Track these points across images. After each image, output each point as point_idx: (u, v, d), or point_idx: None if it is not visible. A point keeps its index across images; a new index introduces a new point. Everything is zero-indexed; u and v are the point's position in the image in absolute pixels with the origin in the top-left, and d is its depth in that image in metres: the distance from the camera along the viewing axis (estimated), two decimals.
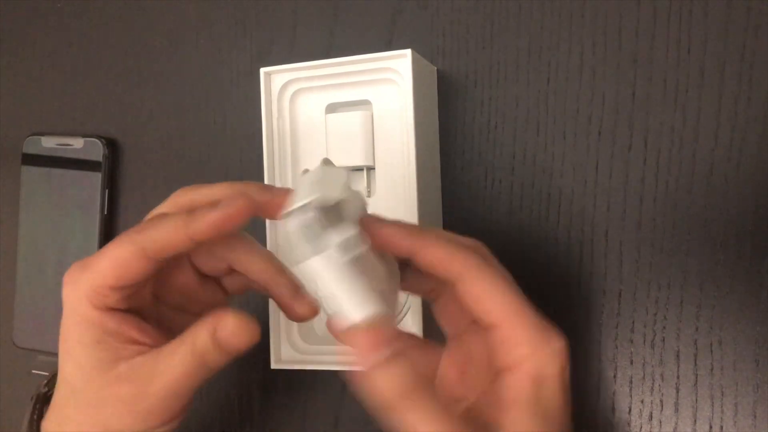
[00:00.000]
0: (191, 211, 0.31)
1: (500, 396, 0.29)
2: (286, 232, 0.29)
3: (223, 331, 0.30)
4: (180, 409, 0.32)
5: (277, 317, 0.42)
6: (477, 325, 0.31)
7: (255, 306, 0.43)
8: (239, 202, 0.30)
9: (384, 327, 0.28)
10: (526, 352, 0.29)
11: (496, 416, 0.29)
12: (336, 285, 0.28)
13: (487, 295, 0.30)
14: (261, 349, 0.38)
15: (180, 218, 0.31)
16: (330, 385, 0.45)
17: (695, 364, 0.39)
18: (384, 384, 0.28)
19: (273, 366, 0.42)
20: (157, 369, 0.31)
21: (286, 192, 0.31)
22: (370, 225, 0.30)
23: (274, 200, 0.31)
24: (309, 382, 0.46)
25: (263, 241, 0.42)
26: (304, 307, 0.33)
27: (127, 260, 0.31)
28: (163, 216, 0.32)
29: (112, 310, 0.32)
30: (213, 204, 0.30)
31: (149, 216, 0.33)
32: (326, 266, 0.28)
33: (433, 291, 0.33)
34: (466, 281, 0.30)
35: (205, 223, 0.30)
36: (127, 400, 0.31)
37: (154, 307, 0.35)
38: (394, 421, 0.28)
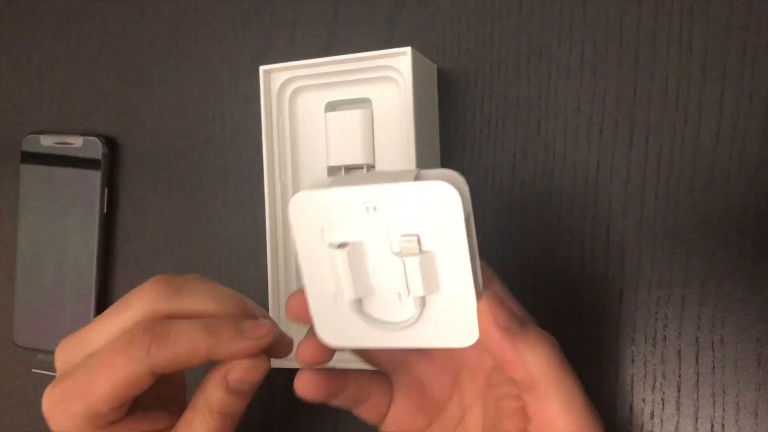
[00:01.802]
0: (212, 323, 0.29)
1: None
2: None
3: (235, 375, 0.29)
4: None
5: (276, 317, 0.42)
6: (424, 356, 0.31)
7: None
8: (270, 337, 0.30)
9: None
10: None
11: None
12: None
13: (560, 415, 0.27)
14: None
15: (200, 337, 0.29)
16: None
17: (697, 362, 0.38)
18: (532, 359, 0.28)
19: (273, 365, 0.41)
20: None
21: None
22: (482, 307, 0.27)
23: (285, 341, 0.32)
24: None
25: (262, 229, 0.42)
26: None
27: (130, 383, 0.28)
28: (178, 325, 0.29)
29: (113, 423, 0.30)
30: (237, 319, 0.29)
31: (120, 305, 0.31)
32: None
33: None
34: (544, 396, 0.27)
35: (233, 352, 0.29)
36: None
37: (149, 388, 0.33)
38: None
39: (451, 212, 0.26)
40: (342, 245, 0.27)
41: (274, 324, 0.30)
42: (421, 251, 0.27)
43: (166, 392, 0.33)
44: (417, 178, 0.27)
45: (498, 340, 0.27)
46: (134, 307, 0.30)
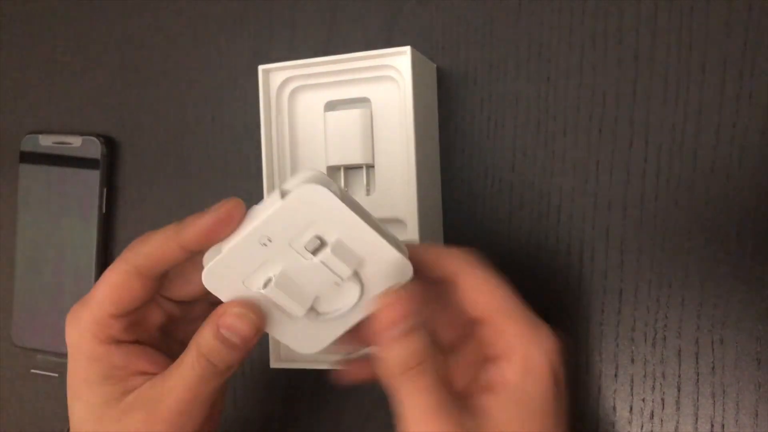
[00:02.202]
0: (180, 222, 0.30)
1: (486, 383, 0.30)
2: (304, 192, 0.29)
3: (226, 320, 0.30)
4: (198, 426, 0.31)
5: None
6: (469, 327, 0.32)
7: None
8: (229, 204, 0.30)
9: (410, 296, 0.29)
10: (515, 343, 0.30)
11: (482, 403, 0.29)
12: (370, 233, 0.29)
13: (479, 289, 0.31)
14: (261, 349, 0.38)
15: (169, 229, 0.30)
16: (332, 384, 0.45)
17: (696, 362, 0.38)
18: (391, 359, 0.29)
19: (272, 365, 0.41)
20: (165, 387, 0.30)
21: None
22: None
23: None
24: (310, 381, 0.46)
25: None
26: None
27: (122, 283, 0.30)
28: (152, 232, 0.31)
29: (118, 342, 0.31)
30: (201, 213, 0.30)
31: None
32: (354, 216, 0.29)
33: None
34: (459, 278, 0.31)
35: (196, 229, 0.30)
36: (141, 429, 0.30)
37: (164, 341, 0.34)
38: (392, 393, 0.29)
39: (327, 204, 0.29)
40: (266, 284, 0.30)
41: (236, 198, 0.30)
42: (327, 244, 0.29)
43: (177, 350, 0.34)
44: (283, 195, 0.29)
45: (425, 251, 0.32)
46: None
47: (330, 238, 0.29)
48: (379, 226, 0.31)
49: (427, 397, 0.28)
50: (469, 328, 0.32)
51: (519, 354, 0.29)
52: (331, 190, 0.29)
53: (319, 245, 0.29)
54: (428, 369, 0.29)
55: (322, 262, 0.29)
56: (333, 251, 0.29)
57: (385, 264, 0.30)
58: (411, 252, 0.31)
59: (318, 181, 0.29)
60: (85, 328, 0.31)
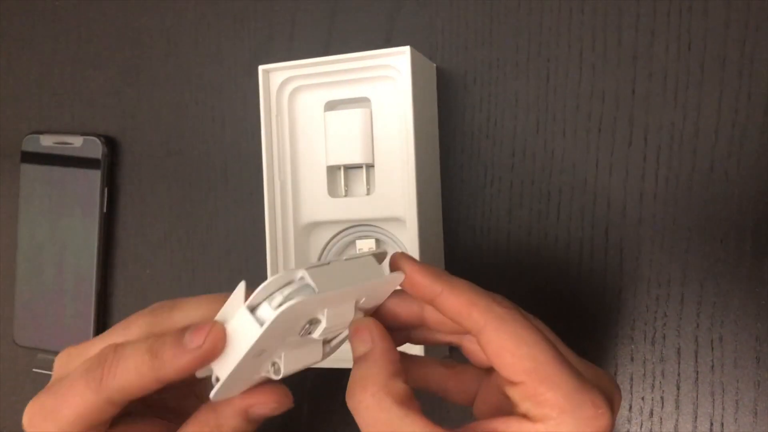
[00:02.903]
0: (156, 342, 0.27)
1: None
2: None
3: (260, 411, 0.29)
4: None
5: None
6: (490, 377, 0.30)
7: None
8: (211, 337, 0.27)
9: (370, 328, 0.29)
10: (548, 413, 0.25)
11: None
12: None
13: (510, 347, 0.26)
14: None
15: (144, 358, 0.27)
16: (332, 384, 0.45)
17: (696, 361, 0.38)
18: (353, 372, 0.29)
19: None
20: None
21: None
22: (398, 262, 0.30)
23: None
24: (310, 381, 0.46)
25: (261, 229, 0.42)
26: None
27: (91, 411, 0.28)
28: (123, 352, 0.28)
29: None
30: (181, 332, 0.27)
31: (111, 333, 0.30)
32: None
33: (455, 334, 0.31)
34: (488, 331, 0.27)
35: (177, 368, 0.27)
36: None
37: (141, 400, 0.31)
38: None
39: (305, 309, 0.27)
40: (274, 368, 0.28)
41: (216, 322, 0.27)
42: (321, 321, 0.28)
43: (163, 402, 0.33)
44: (252, 310, 0.27)
45: (426, 282, 0.29)
46: (134, 325, 0.30)
47: (321, 316, 0.28)
48: (358, 259, 0.30)
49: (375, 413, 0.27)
50: (482, 379, 0.31)
51: (551, 425, 0.25)
52: (303, 294, 0.26)
53: (311, 326, 0.28)
54: (368, 396, 0.28)
55: (322, 336, 0.29)
56: (328, 322, 0.28)
57: (377, 288, 0.30)
58: (433, 289, 0.29)
59: (289, 288, 0.27)
60: None
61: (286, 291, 0.26)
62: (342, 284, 0.28)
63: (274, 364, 0.28)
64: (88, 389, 0.27)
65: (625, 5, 0.40)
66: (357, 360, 0.29)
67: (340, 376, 0.44)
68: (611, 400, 0.27)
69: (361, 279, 0.29)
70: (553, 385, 0.25)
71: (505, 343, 0.27)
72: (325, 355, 0.30)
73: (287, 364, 0.28)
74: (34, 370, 0.53)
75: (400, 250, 0.31)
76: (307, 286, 0.27)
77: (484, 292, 0.28)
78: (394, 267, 0.30)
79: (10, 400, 0.55)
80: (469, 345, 0.31)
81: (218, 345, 0.27)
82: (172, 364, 0.27)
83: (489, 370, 0.31)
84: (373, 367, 0.28)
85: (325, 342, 0.30)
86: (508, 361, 0.26)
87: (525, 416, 0.26)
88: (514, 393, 0.27)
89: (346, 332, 0.30)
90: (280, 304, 0.26)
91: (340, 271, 0.29)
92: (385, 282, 0.30)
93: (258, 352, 0.27)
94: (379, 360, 0.28)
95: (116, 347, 0.28)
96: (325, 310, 0.28)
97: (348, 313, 0.29)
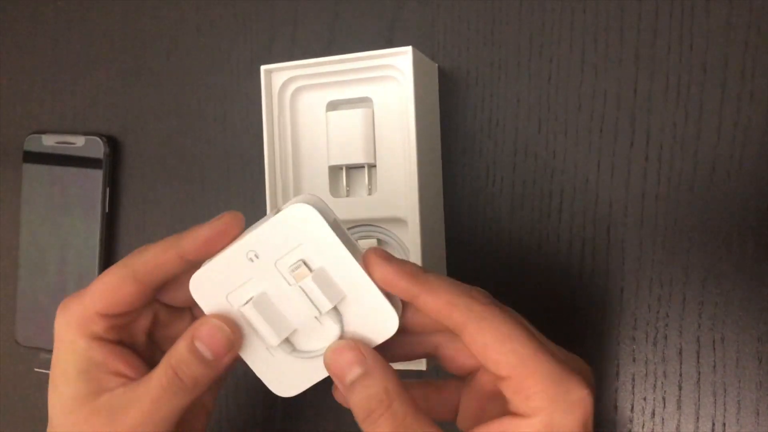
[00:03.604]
0: (180, 233, 0.30)
1: None
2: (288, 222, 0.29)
3: (200, 332, 0.29)
4: None
5: None
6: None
7: None
8: (228, 216, 0.29)
9: (358, 346, 0.29)
10: (539, 404, 0.26)
11: None
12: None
13: (494, 344, 0.27)
14: None
15: (169, 239, 0.30)
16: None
17: (698, 361, 0.38)
18: (352, 405, 0.28)
19: None
20: (133, 396, 0.30)
21: None
22: (372, 261, 0.29)
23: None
24: None
25: None
26: None
27: (116, 285, 0.30)
28: (153, 243, 0.31)
29: (100, 339, 0.31)
30: (201, 225, 0.30)
31: None
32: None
33: (432, 341, 0.32)
34: (470, 330, 0.28)
35: (195, 239, 0.29)
36: None
37: (148, 346, 0.33)
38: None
39: (315, 225, 0.28)
40: (247, 302, 0.29)
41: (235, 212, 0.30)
42: (311, 270, 0.29)
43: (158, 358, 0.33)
44: (276, 214, 0.29)
45: (402, 286, 0.28)
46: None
47: (314, 265, 0.29)
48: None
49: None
50: (474, 370, 0.31)
51: (544, 418, 0.26)
52: (322, 215, 0.28)
53: (302, 271, 0.29)
54: (392, 410, 0.27)
55: (302, 289, 0.29)
56: (314, 279, 0.29)
57: (370, 310, 0.29)
58: (411, 289, 0.29)
59: (313, 203, 0.29)
60: (71, 321, 0.31)
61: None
62: (352, 253, 0.29)
63: (250, 299, 0.29)
64: (118, 265, 0.30)
65: (627, 5, 0.40)
66: (356, 382, 0.28)
67: None
68: (589, 380, 0.28)
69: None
70: (540, 378, 0.27)
71: (488, 340, 0.27)
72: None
73: (257, 304, 0.29)
74: (35, 369, 0.53)
75: (402, 256, 0.30)
76: (327, 217, 0.29)
77: (462, 288, 0.29)
78: (366, 263, 0.29)
79: (11, 400, 0.55)
80: (446, 351, 0.31)
81: (234, 224, 0.29)
82: (192, 236, 0.29)
83: (467, 378, 0.32)
84: (378, 383, 0.28)
85: (293, 348, 0.30)
86: (494, 358, 0.27)
87: (515, 413, 0.27)
88: (504, 387, 0.27)
89: (317, 351, 0.30)
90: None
91: (360, 254, 0.30)
92: (380, 315, 0.29)
93: (252, 252, 0.29)
94: (381, 375, 0.28)
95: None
96: (319, 264, 0.29)
97: (329, 297, 0.29)
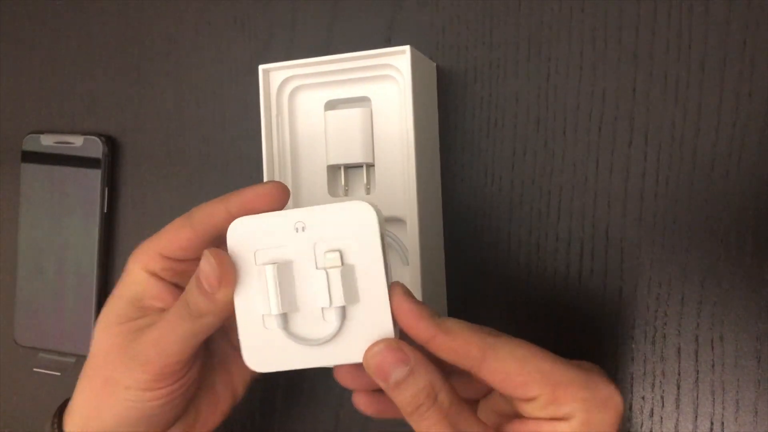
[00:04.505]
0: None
1: None
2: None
3: (201, 267, 0.30)
4: (170, 372, 0.32)
5: None
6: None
7: None
8: (272, 185, 0.32)
9: (401, 346, 0.29)
10: (574, 407, 0.28)
11: None
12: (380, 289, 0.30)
13: (516, 368, 0.28)
14: None
15: (223, 196, 0.33)
16: (330, 385, 0.45)
17: (696, 360, 0.38)
18: (399, 401, 0.29)
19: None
20: (157, 320, 0.33)
21: None
22: (397, 292, 0.30)
23: None
24: (310, 379, 0.46)
25: None
26: None
27: (177, 230, 0.33)
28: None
29: (157, 276, 0.34)
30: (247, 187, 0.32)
31: None
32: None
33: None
34: (489, 361, 0.29)
35: (241, 198, 0.32)
36: (123, 351, 0.33)
37: None
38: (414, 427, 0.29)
39: (368, 227, 0.30)
40: (271, 263, 0.30)
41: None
42: (342, 264, 0.30)
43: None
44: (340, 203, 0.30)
45: (421, 327, 0.29)
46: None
47: (348, 261, 0.30)
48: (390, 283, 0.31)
49: (441, 428, 0.28)
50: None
51: (580, 416, 0.28)
52: (379, 222, 0.30)
53: (335, 259, 0.30)
54: (438, 402, 0.29)
55: (327, 275, 0.30)
56: (342, 272, 0.29)
57: (373, 324, 0.30)
58: (427, 332, 0.29)
59: (375, 208, 0.30)
60: (138, 257, 0.34)
61: None
62: (385, 267, 0.30)
63: (273, 261, 0.30)
64: (183, 216, 0.34)
65: (625, 4, 0.40)
66: (402, 381, 0.29)
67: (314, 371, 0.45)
68: (609, 378, 0.29)
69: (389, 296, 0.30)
70: (568, 385, 0.28)
71: (510, 366, 0.28)
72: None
73: (279, 268, 0.30)
74: (34, 369, 0.53)
75: (400, 284, 0.31)
76: (381, 227, 0.30)
77: (474, 326, 0.30)
78: (391, 294, 0.30)
79: (10, 400, 0.55)
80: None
81: (281, 191, 0.32)
82: (241, 193, 0.32)
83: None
84: (424, 378, 0.29)
85: (287, 326, 0.31)
86: (519, 381, 0.28)
87: (553, 419, 0.28)
88: (532, 408, 0.28)
89: (308, 339, 0.30)
90: None
91: (389, 271, 0.31)
92: (379, 333, 0.30)
93: (302, 224, 0.30)
94: (426, 371, 0.29)
95: None
96: (353, 261, 0.30)
97: (346, 294, 0.29)
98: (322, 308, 0.30)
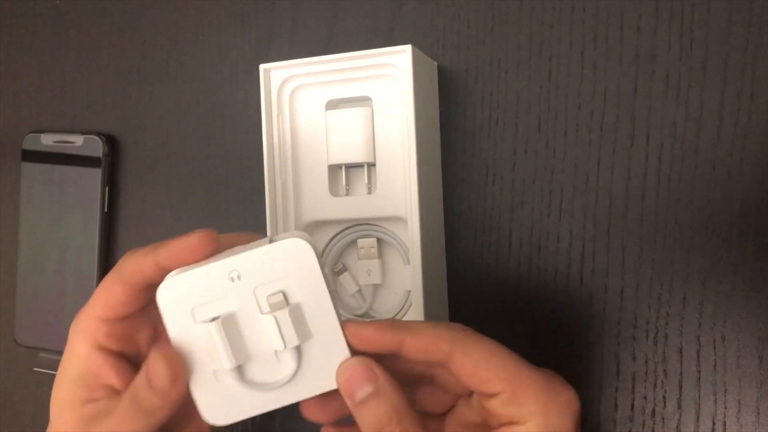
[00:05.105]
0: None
1: None
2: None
3: (149, 366, 0.29)
4: None
5: None
6: (467, 398, 0.32)
7: None
8: (199, 234, 0.30)
9: (369, 362, 0.30)
10: (533, 409, 0.28)
11: None
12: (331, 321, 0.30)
13: (482, 362, 0.29)
14: None
15: (152, 246, 0.31)
16: None
17: (698, 360, 0.38)
18: (362, 423, 0.29)
19: None
20: (109, 410, 0.31)
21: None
22: (350, 330, 0.30)
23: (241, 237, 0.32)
24: None
25: (263, 228, 0.41)
26: None
27: (109, 288, 0.31)
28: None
29: (101, 348, 0.32)
30: (179, 236, 0.31)
31: None
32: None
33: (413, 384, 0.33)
34: (458, 357, 0.29)
35: (169, 251, 0.30)
36: None
37: None
38: None
39: (306, 263, 0.29)
40: (214, 318, 0.29)
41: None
42: (288, 304, 0.29)
43: None
44: (271, 242, 0.30)
45: (387, 337, 0.30)
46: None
47: (293, 300, 0.29)
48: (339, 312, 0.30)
49: None
50: (459, 397, 0.32)
51: (540, 420, 0.28)
52: (315, 254, 0.29)
53: (280, 302, 0.29)
54: (401, 426, 0.28)
55: (275, 319, 0.29)
56: (290, 313, 0.29)
57: (330, 356, 0.30)
58: (394, 338, 0.30)
59: (308, 241, 0.29)
60: (78, 327, 0.32)
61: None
62: (331, 296, 0.30)
63: (217, 317, 0.29)
64: (113, 270, 0.32)
65: (627, 4, 0.40)
66: (367, 400, 0.29)
67: None
68: (569, 384, 0.30)
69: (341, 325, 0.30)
70: (530, 386, 0.29)
71: (477, 360, 0.29)
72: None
73: (225, 323, 0.29)
74: (35, 369, 0.53)
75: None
76: (318, 257, 0.29)
77: (442, 323, 0.31)
78: (344, 331, 0.30)
79: (10, 400, 0.55)
80: (425, 397, 0.33)
81: (208, 240, 0.30)
82: (168, 246, 0.30)
83: (447, 413, 0.33)
84: (389, 402, 0.29)
85: (243, 377, 0.30)
86: (485, 376, 0.29)
87: (511, 422, 0.29)
88: (494, 404, 0.29)
89: (267, 385, 0.30)
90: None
91: (335, 299, 0.31)
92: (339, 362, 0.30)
93: (236, 272, 0.29)
94: (392, 393, 0.29)
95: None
96: (298, 300, 0.29)
97: (298, 334, 0.29)
98: (276, 351, 0.30)
